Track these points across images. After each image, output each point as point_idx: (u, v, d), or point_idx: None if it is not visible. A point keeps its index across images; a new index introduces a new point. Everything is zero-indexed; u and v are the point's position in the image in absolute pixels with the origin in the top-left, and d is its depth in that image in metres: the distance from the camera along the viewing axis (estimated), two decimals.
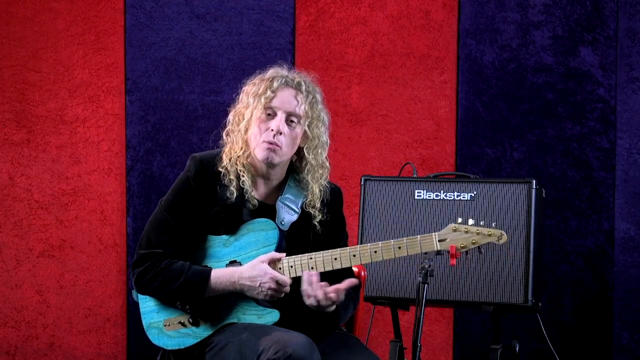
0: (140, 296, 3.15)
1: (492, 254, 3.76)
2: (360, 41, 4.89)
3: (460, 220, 3.03)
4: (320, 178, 3.15)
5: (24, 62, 4.91)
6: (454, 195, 3.86)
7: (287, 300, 3.03)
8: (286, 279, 2.99)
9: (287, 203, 3.12)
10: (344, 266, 3.03)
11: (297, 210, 3.13)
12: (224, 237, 3.08)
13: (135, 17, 4.90)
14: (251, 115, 3.07)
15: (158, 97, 4.91)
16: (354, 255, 3.02)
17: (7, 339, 4.92)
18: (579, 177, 4.81)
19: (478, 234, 3.01)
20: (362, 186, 3.95)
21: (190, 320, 3.06)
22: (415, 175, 3.98)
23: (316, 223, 3.14)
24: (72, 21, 4.91)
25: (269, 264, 3.01)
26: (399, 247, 3.00)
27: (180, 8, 4.91)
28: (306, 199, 3.14)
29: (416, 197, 3.90)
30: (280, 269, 3.02)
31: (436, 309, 4.82)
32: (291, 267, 3.03)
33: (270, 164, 3.07)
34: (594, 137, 4.80)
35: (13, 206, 4.91)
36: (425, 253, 3.02)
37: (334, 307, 3.02)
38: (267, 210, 3.11)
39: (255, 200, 3.10)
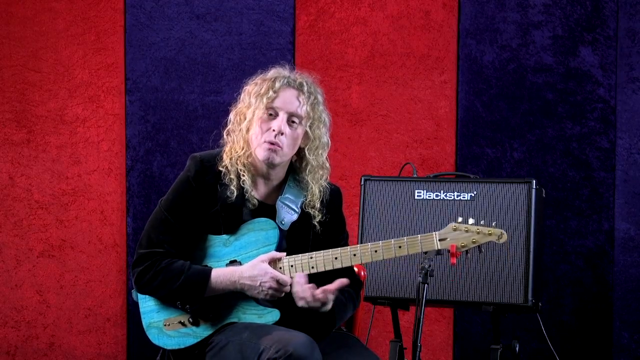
0: (140, 296, 3.14)
1: (492, 254, 3.76)
2: (360, 41, 4.89)
3: (460, 219, 3.04)
4: (321, 179, 3.16)
5: (24, 62, 4.91)
6: (454, 195, 3.86)
7: (288, 299, 3.03)
8: (287, 278, 2.99)
9: (287, 203, 3.13)
10: (344, 265, 3.03)
11: (297, 210, 3.13)
12: (224, 236, 3.08)
13: (135, 17, 4.90)
14: (253, 115, 3.07)
15: (158, 97, 4.91)
16: (355, 255, 3.02)
17: (7, 339, 4.92)
18: (579, 177, 4.81)
19: (478, 233, 3.01)
20: (362, 186, 3.95)
21: (190, 319, 3.06)
22: (415, 175, 3.98)
23: (316, 223, 3.14)
24: (72, 21, 4.91)
25: (270, 263, 3.01)
26: (400, 247, 3.00)
27: (180, 8, 4.91)
28: (306, 199, 3.14)
29: (416, 197, 3.90)
30: (280, 268, 3.03)
31: (436, 309, 4.82)
32: (292, 266, 3.03)
33: (270, 164, 3.07)
34: (594, 137, 4.80)
35: (13, 206, 4.91)
36: (425, 253, 3.02)
37: (327, 307, 3.01)
38: (267, 210, 3.11)
39: (255, 200, 3.10)
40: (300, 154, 3.16)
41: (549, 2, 4.82)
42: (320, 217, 3.14)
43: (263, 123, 3.07)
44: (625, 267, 4.78)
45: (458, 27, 4.88)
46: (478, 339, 4.83)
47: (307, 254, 3.04)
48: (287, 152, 3.08)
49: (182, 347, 3.07)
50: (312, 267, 3.02)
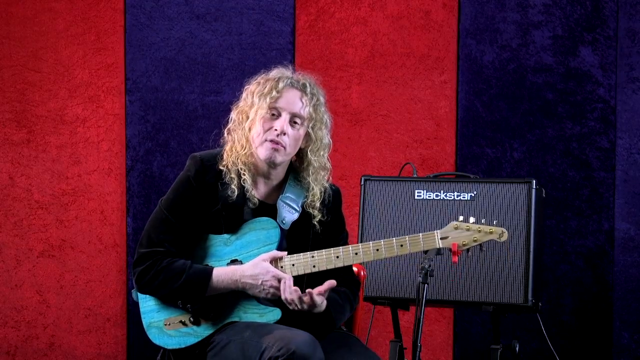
0: (140, 296, 3.14)
1: (492, 254, 3.76)
2: (360, 41, 4.90)
3: (461, 218, 3.04)
4: (322, 179, 3.16)
5: (24, 62, 4.91)
6: (454, 195, 3.86)
7: None
8: (288, 277, 2.99)
9: (288, 202, 3.13)
10: (346, 264, 3.04)
11: (298, 209, 3.14)
12: (225, 236, 3.08)
13: (135, 17, 4.90)
14: (255, 115, 3.08)
15: (158, 97, 4.91)
16: (356, 254, 3.02)
17: (7, 339, 4.91)
18: (579, 177, 4.81)
19: (479, 231, 3.02)
20: (362, 186, 3.95)
21: (191, 319, 3.05)
22: (415, 175, 3.98)
23: (316, 223, 3.14)
24: (72, 21, 4.91)
25: (271, 262, 3.01)
26: (401, 245, 3.00)
27: (180, 8, 4.91)
28: (307, 199, 3.15)
29: (416, 197, 3.90)
30: (281, 267, 3.03)
31: (436, 309, 4.82)
32: (293, 265, 3.03)
33: (272, 164, 3.08)
34: (594, 137, 4.80)
35: (13, 206, 4.91)
36: (426, 252, 3.02)
37: (319, 309, 3.00)
38: (267, 209, 3.11)
39: (256, 199, 3.10)
40: (300, 154, 3.17)
41: (549, 2, 4.82)
42: (320, 216, 3.14)
43: (265, 122, 3.07)
44: (625, 267, 4.78)
45: (458, 27, 4.88)
46: (478, 339, 4.83)
47: (308, 252, 3.04)
48: (289, 152, 3.09)
49: (183, 346, 3.06)
50: (314, 266, 3.03)
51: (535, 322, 3.94)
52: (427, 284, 3.00)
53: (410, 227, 3.87)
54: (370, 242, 3.02)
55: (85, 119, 4.91)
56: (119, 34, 4.92)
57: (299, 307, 2.97)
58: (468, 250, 3.03)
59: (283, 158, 3.08)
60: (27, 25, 4.90)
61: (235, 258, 3.07)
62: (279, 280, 2.98)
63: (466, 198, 3.85)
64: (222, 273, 3.02)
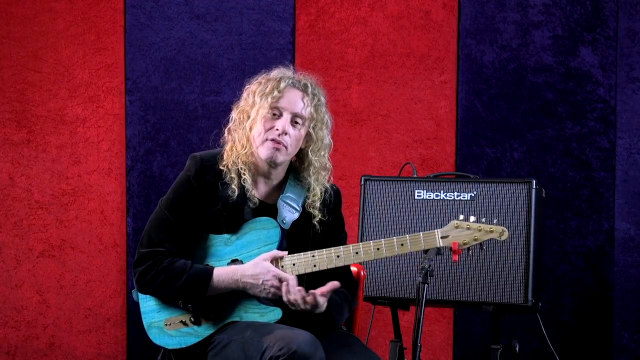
0: (140, 296, 3.14)
1: (492, 253, 3.76)
2: (360, 41, 4.90)
3: (462, 217, 3.05)
4: (323, 179, 3.17)
5: (24, 62, 4.91)
6: (454, 195, 3.86)
7: None
8: (289, 276, 2.99)
9: (288, 202, 3.13)
10: (346, 263, 3.04)
11: (299, 209, 3.14)
12: (226, 235, 3.08)
13: (135, 17, 4.90)
14: (257, 114, 3.08)
15: (158, 97, 4.91)
16: (357, 253, 3.02)
17: (7, 339, 4.91)
18: (579, 177, 4.81)
19: (480, 230, 3.02)
20: (362, 186, 3.95)
21: (192, 319, 3.05)
22: (415, 175, 3.98)
23: (316, 222, 3.14)
24: (72, 21, 4.91)
25: (271, 262, 3.01)
26: (402, 244, 3.01)
27: (180, 8, 4.91)
28: (307, 199, 3.15)
29: (416, 197, 3.90)
30: (282, 267, 3.03)
31: (436, 309, 4.82)
32: (294, 265, 3.03)
33: (273, 163, 3.08)
34: (594, 137, 4.80)
35: (13, 206, 4.91)
36: (426, 252, 3.02)
37: (320, 310, 3.01)
38: (268, 209, 3.11)
39: (256, 199, 3.11)
40: (300, 154, 3.17)
41: (549, 2, 4.82)
42: (320, 216, 3.14)
43: (267, 122, 3.07)
44: (625, 267, 4.78)
45: (458, 27, 4.88)
46: (478, 339, 4.83)
47: (309, 252, 3.04)
48: (290, 152, 3.09)
49: (184, 346, 3.06)
50: (314, 266, 3.03)
51: (535, 322, 3.94)
52: (427, 284, 3.00)
53: (410, 227, 3.87)
54: (371, 242, 3.02)
55: (85, 119, 4.91)
56: (119, 34, 4.92)
57: (302, 307, 2.97)
58: (468, 249, 3.04)
59: (284, 158, 3.08)
60: (27, 25, 4.90)
61: (236, 258, 3.07)
62: (280, 280, 2.98)
63: (466, 198, 3.85)
64: (222, 273, 3.02)
